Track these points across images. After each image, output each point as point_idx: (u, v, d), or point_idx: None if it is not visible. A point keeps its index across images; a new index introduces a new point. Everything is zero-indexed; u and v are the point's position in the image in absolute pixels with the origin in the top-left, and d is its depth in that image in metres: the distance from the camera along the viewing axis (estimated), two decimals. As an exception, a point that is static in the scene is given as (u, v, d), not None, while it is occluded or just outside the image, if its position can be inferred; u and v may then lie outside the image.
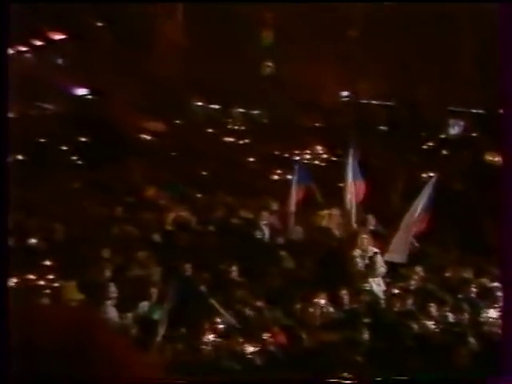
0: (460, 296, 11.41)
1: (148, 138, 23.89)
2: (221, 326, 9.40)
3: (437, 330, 10.20)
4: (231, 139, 23.41)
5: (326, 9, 22.62)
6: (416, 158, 18.79)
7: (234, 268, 11.95)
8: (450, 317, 10.66)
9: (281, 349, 9.38)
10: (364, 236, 12.27)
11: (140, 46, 26.84)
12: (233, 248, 13.11)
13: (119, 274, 12.64)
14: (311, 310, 10.26)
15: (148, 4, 26.29)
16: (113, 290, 11.80)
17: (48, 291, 12.47)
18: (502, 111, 7.16)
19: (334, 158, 19.20)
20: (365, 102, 23.05)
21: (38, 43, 29.40)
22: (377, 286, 11.30)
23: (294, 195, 13.96)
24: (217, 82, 24.59)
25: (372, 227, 13.14)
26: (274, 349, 9.31)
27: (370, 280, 11.33)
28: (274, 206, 15.01)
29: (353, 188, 12.94)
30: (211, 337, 9.01)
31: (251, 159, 21.31)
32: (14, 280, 12.31)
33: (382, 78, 22.63)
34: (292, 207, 13.89)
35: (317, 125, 22.46)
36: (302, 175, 14.36)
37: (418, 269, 11.94)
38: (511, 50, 6.62)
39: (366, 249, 12.00)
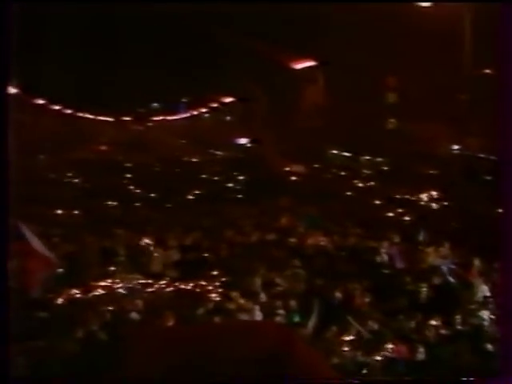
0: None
1: (292, 178, 24.23)
2: (354, 337, 9.39)
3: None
4: (359, 181, 23.32)
5: (441, 75, 22.21)
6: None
7: (362, 287, 11.88)
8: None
9: (400, 359, 9.31)
10: (474, 271, 11.94)
11: (288, 104, 27.39)
12: (361, 271, 13.03)
13: (269, 286, 12.72)
14: (427, 328, 10.07)
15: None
16: (263, 298, 11.94)
17: (214, 295, 12.63)
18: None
19: (446, 203, 18.67)
20: (472, 154, 22.34)
21: (214, 105, 30.94)
22: (483, 311, 10.92)
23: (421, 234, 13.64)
24: (349, 133, 24.66)
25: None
26: (395, 358, 9.25)
27: (477, 306, 11.00)
28: (395, 239, 14.80)
29: None
30: (347, 348, 8.99)
31: (376, 198, 21.09)
32: (191, 284, 12.79)
33: (488, 134, 21.88)
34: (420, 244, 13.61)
35: (431, 172, 21.94)
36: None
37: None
38: (511, 49, 6.13)
39: (474, 279, 11.69)
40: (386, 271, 13.32)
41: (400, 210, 18.99)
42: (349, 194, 21.53)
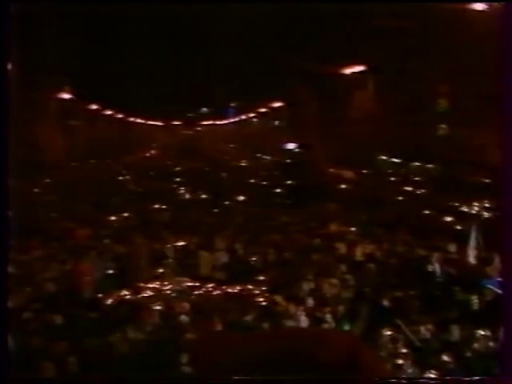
0: None
1: (341, 183, 24.03)
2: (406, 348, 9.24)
3: None
4: (409, 188, 22.95)
5: (493, 81, 21.62)
6: None
7: (411, 296, 11.70)
8: None
9: (448, 367, 9.14)
10: None
11: (337, 109, 27.22)
12: (411, 279, 12.81)
13: (315, 292, 12.62)
14: (476, 339, 9.84)
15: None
16: (310, 303, 11.87)
17: (260, 299, 12.62)
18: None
19: (497, 212, 18.14)
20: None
21: (263, 110, 31.08)
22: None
23: (472, 244, 13.28)
24: (398, 140, 24.34)
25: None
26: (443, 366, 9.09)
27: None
28: (446, 247, 14.49)
29: None
30: (402, 360, 8.83)
31: (426, 206, 20.68)
32: (238, 287, 12.82)
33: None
34: (470, 254, 13.23)
35: (483, 181, 21.38)
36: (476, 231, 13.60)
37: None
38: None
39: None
40: (436, 280, 13.07)
41: (450, 219, 18.60)
42: (398, 200, 21.19)
